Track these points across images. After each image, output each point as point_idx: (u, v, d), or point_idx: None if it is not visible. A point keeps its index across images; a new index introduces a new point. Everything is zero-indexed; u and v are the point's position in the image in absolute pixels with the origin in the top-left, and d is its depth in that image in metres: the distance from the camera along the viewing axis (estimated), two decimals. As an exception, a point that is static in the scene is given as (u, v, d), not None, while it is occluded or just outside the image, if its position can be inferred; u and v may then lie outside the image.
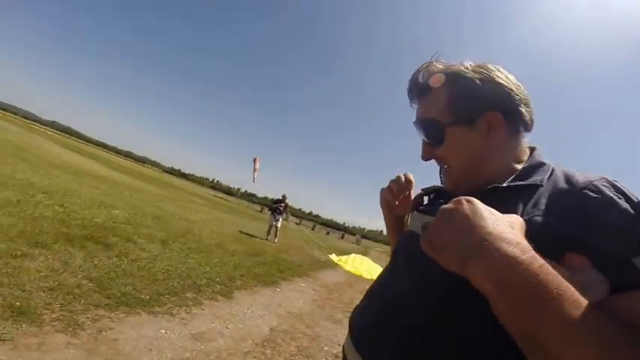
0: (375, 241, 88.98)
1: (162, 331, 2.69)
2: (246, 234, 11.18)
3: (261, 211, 36.73)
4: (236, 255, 6.83)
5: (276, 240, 11.31)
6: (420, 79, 0.81)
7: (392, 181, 1.01)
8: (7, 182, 6.11)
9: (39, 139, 23.44)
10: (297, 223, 36.28)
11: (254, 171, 40.02)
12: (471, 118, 0.76)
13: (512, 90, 0.74)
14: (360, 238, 47.01)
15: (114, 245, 4.58)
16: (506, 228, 0.52)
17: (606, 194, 0.61)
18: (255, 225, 15.65)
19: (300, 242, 13.56)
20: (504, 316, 0.49)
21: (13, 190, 5.73)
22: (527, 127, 0.78)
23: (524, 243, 0.50)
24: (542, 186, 0.69)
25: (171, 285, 3.82)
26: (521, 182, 0.71)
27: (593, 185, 0.63)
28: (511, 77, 0.77)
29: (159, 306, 3.15)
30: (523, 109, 0.75)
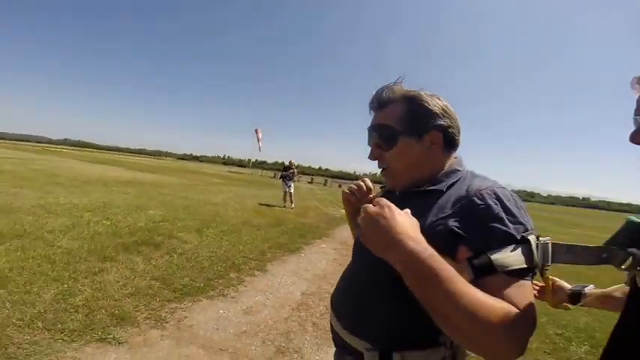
0: None
1: (221, 312, 3.27)
2: (266, 205, 11.78)
3: (274, 177, 37.20)
4: (261, 229, 7.41)
5: (292, 205, 11.87)
6: (384, 95, 0.96)
7: (354, 185, 1.19)
8: (56, 210, 6.73)
9: (60, 160, 23.96)
10: (309, 182, 35.54)
11: (258, 141, 40.20)
12: (420, 133, 0.92)
13: (453, 120, 0.95)
14: None
15: (161, 244, 5.23)
16: (411, 229, 0.72)
17: (487, 202, 0.78)
18: (271, 193, 16.28)
19: (315, 202, 14.03)
20: (410, 286, 0.68)
21: (64, 215, 6.36)
22: (455, 148, 0.99)
23: (421, 238, 0.71)
24: (444, 191, 0.89)
25: (217, 269, 4.42)
26: (432, 187, 0.91)
27: (480, 194, 0.80)
28: (453, 111, 0.96)
29: (212, 290, 3.76)
30: (456, 135, 0.97)
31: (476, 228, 0.77)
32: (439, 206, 0.86)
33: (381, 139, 0.97)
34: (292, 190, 12.12)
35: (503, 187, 0.84)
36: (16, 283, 3.18)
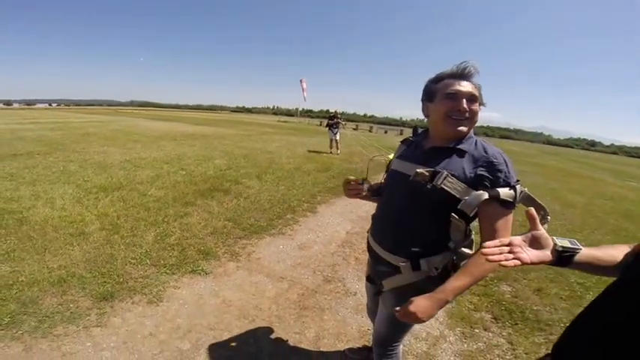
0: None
1: (281, 247, 3.57)
2: (314, 152, 11.81)
3: (320, 125, 36.95)
4: (311, 174, 7.51)
5: (338, 152, 11.75)
6: (473, 70, 1.17)
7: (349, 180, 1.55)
8: (140, 163, 7.29)
9: (132, 120, 25.17)
10: (354, 129, 34.63)
11: (303, 91, 39.36)
12: (481, 102, 1.20)
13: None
14: (418, 130, 43.53)
15: (229, 189, 5.59)
16: (434, 293, 1.09)
17: (500, 160, 1.11)
18: (318, 140, 16.25)
19: (359, 148, 13.81)
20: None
21: (148, 168, 6.90)
22: None
23: (440, 289, 1.09)
24: (467, 151, 1.16)
25: (276, 211, 4.69)
26: (461, 146, 1.18)
27: (495, 155, 1.13)
28: None
29: (273, 228, 4.05)
30: None
31: (494, 175, 1.10)
32: (471, 160, 1.15)
33: (474, 101, 1.18)
34: (338, 138, 11.92)
35: (503, 152, 1.17)
36: (125, 229, 3.66)
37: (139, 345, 1.96)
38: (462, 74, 1.17)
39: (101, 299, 2.35)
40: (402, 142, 1.48)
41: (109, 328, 2.08)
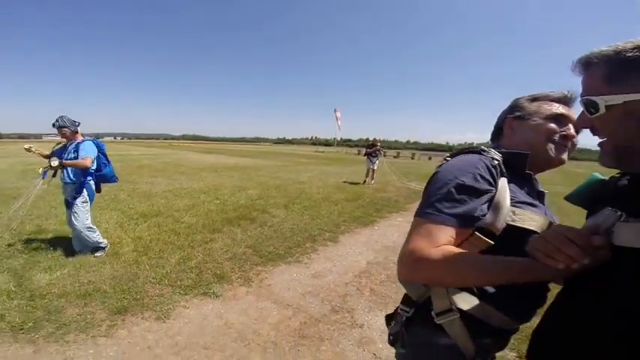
0: None
1: (294, 275, 3.60)
2: (347, 181, 11.70)
3: (358, 154, 37.01)
4: (339, 203, 7.48)
5: (373, 182, 11.27)
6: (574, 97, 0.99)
7: None
8: (180, 193, 7.88)
9: (181, 153, 27.56)
10: (394, 156, 33.45)
11: (337, 120, 39.84)
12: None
13: None
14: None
15: (256, 218, 5.79)
16: None
17: None
18: (353, 169, 16.30)
19: (398, 176, 13.44)
20: None
21: (186, 197, 7.42)
22: None
23: None
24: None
25: (296, 239, 4.74)
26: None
27: None
28: None
29: (290, 257, 4.10)
30: None
31: None
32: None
33: (577, 133, 1.00)
34: (376, 167, 11.38)
35: None
36: (154, 251, 3.94)
37: (134, 357, 2.08)
38: (570, 99, 0.99)
39: (115, 313, 2.55)
40: (495, 163, 0.92)
41: (114, 338, 2.25)
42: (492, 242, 0.84)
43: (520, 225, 0.85)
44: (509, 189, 0.89)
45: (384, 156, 12.57)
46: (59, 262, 3.41)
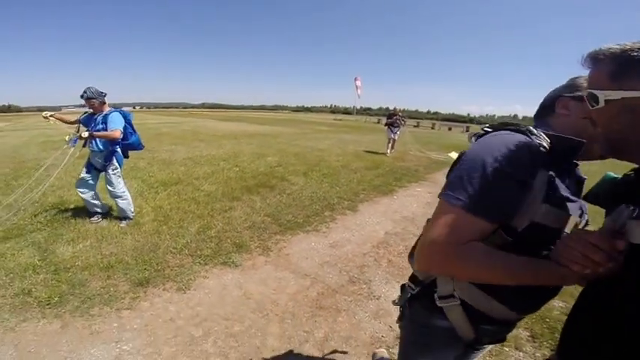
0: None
1: (312, 244, 3.58)
2: (366, 150, 11.53)
3: (377, 122, 36.35)
4: (358, 172, 7.38)
5: (393, 151, 10.99)
6: None
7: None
8: (200, 160, 7.89)
9: (201, 121, 27.58)
10: (414, 126, 32.81)
11: (357, 89, 39.20)
12: None
13: None
14: (467, 127, 35.93)
15: (275, 186, 5.76)
16: None
17: None
18: (372, 138, 15.97)
19: (417, 145, 13.17)
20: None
21: (206, 164, 7.44)
22: None
23: None
24: None
25: (315, 208, 4.71)
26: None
27: None
28: None
29: (308, 225, 4.07)
30: None
31: None
32: None
33: None
34: (397, 137, 11.08)
35: None
36: (174, 220, 3.97)
37: (157, 329, 2.11)
38: None
39: (138, 284, 2.58)
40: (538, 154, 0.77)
41: (136, 311, 2.28)
42: (511, 239, 0.77)
43: (544, 223, 0.77)
44: (549, 180, 0.77)
45: (405, 125, 11.97)
46: (81, 233, 3.47)
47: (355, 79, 39.69)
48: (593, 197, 0.81)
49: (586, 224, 0.91)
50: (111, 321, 2.18)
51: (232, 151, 9.69)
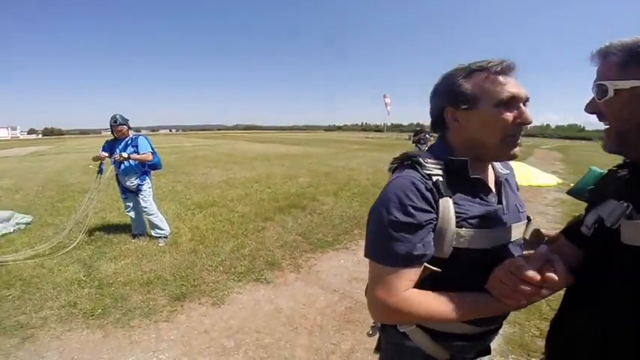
0: (544, 137, 66.84)
1: (342, 261, 3.64)
2: None
3: (408, 139, 36.10)
4: None
5: None
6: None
7: None
8: (234, 183, 8.22)
9: (235, 143, 28.73)
10: None
11: (386, 105, 39.37)
12: None
13: None
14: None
15: (306, 206, 5.87)
16: None
17: None
18: (403, 155, 15.82)
19: None
20: None
21: (240, 187, 7.72)
22: None
23: None
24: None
25: (345, 227, 4.76)
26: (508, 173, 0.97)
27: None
28: None
29: (338, 244, 4.13)
30: None
31: None
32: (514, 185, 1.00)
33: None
34: None
35: None
36: (210, 240, 4.18)
37: (192, 340, 2.25)
38: (511, 66, 0.80)
39: (175, 299, 2.77)
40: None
41: (173, 323, 2.45)
42: (439, 270, 0.78)
43: (465, 247, 0.78)
44: (457, 203, 0.79)
45: (431, 141, 11.57)
46: (123, 252, 3.76)
47: (384, 97, 39.94)
48: (576, 191, 0.84)
49: (528, 221, 0.93)
50: (149, 332, 2.35)
51: (265, 172, 10.01)
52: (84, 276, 3.17)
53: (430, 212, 0.77)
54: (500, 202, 0.87)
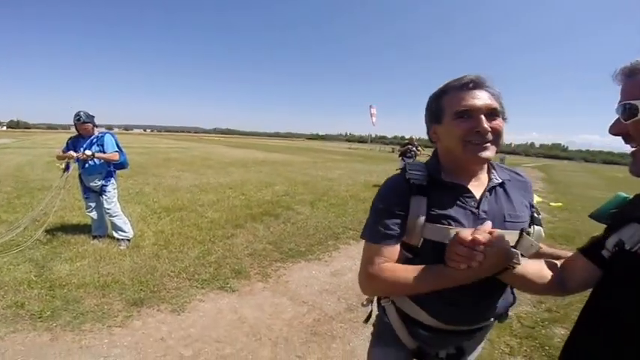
0: (526, 155, 73.18)
1: (313, 272, 3.64)
2: (377, 180, 11.50)
3: (392, 152, 36.73)
4: (367, 202, 7.24)
5: None
6: (483, 77, 0.95)
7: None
8: (207, 188, 8.13)
9: (211, 147, 28.63)
10: (429, 155, 33.01)
11: (371, 116, 40.01)
12: (503, 116, 1.00)
13: None
14: (504, 157, 31.04)
15: (280, 215, 5.87)
16: None
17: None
18: (384, 168, 16.11)
19: None
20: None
21: (212, 192, 7.65)
22: None
23: None
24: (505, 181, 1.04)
25: (319, 237, 4.78)
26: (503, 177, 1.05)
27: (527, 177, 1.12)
28: None
29: (311, 254, 4.14)
30: None
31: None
32: (521, 188, 1.08)
33: (495, 116, 0.97)
34: None
35: None
36: (174, 245, 4.10)
37: (147, 347, 2.19)
38: (474, 82, 0.93)
39: (132, 304, 2.69)
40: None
41: (128, 329, 2.38)
42: (412, 255, 0.98)
43: (432, 239, 0.95)
44: (433, 203, 0.96)
45: (420, 154, 11.91)
46: (80, 253, 3.63)
47: (370, 107, 40.45)
48: (599, 215, 0.88)
49: (521, 232, 1.00)
50: (102, 337, 2.27)
51: (240, 179, 9.93)
52: (35, 276, 3.05)
53: (401, 205, 0.97)
54: (477, 206, 0.98)
